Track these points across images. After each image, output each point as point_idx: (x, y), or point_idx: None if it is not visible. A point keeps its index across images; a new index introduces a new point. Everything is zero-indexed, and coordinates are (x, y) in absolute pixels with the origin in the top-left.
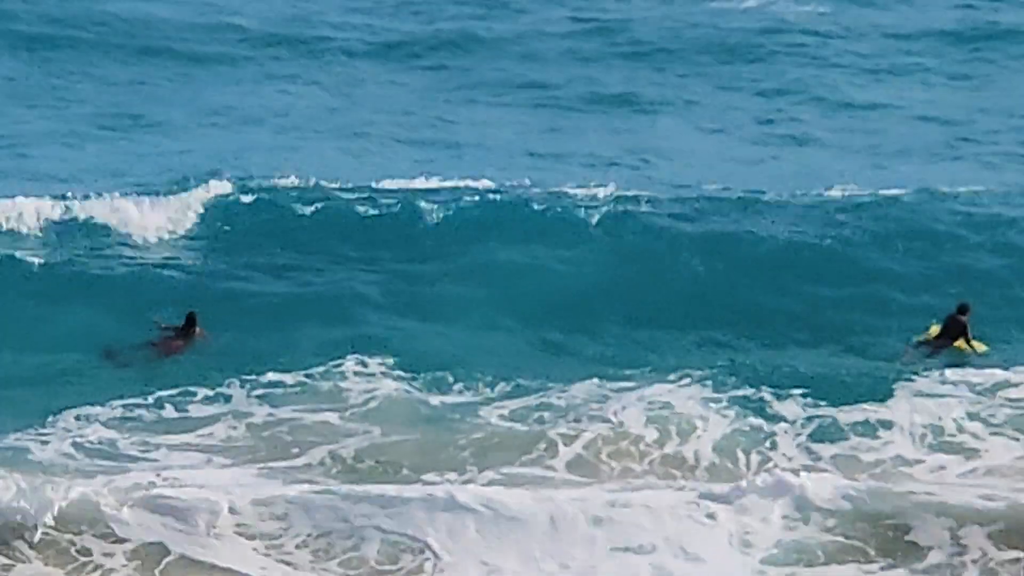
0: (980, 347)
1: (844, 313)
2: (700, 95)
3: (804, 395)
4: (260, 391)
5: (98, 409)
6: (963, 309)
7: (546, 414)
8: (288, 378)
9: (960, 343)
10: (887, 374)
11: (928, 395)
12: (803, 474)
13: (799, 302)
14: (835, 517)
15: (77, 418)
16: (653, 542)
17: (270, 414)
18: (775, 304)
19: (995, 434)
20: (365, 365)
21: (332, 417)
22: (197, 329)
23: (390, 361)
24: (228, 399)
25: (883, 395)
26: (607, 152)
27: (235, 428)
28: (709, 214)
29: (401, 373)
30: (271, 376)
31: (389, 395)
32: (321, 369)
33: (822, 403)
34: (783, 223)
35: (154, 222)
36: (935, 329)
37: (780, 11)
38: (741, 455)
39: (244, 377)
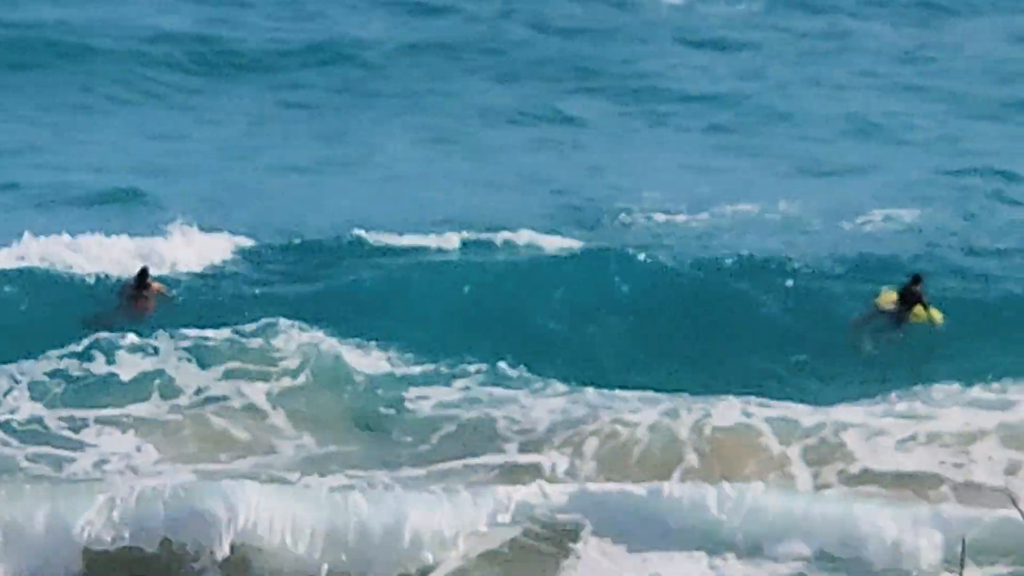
0: (938, 316)
1: (780, 326)
2: (625, 103)
3: (745, 392)
4: (192, 354)
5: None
6: (916, 279)
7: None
8: (224, 348)
9: (918, 310)
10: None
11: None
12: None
13: (734, 318)
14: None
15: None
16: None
17: (201, 382)
18: (712, 316)
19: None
20: (300, 337)
21: (260, 394)
22: (153, 284)
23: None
24: (169, 385)
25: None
26: (536, 169)
27: (165, 407)
28: (646, 229)
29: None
30: (204, 342)
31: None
32: (256, 341)
33: (765, 397)
34: (717, 238)
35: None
36: (886, 296)
37: (708, 11)
38: (682, 427)
39: (182, 359)
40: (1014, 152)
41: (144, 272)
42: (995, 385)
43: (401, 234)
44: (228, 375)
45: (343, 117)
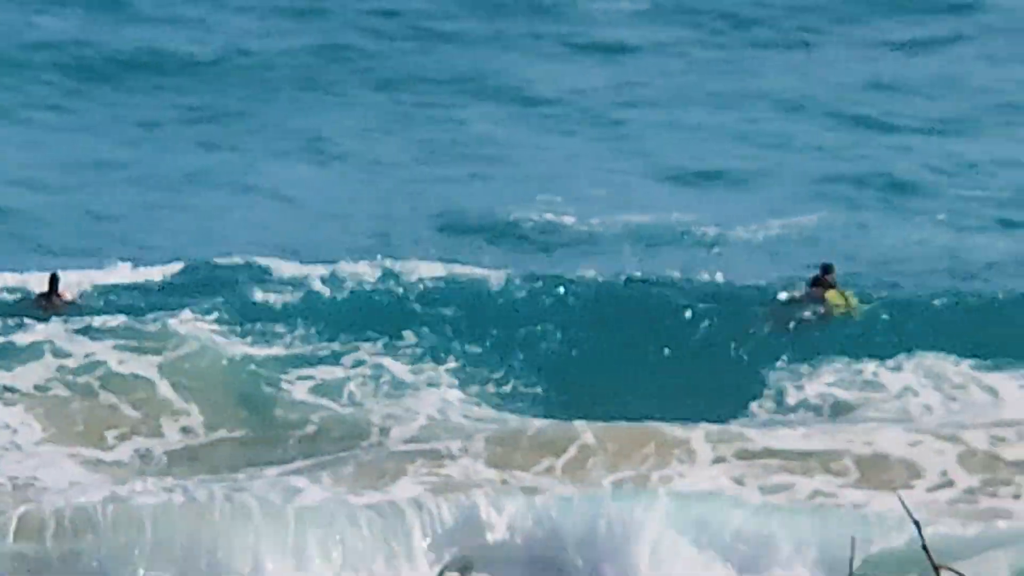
0: (854, 300)
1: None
2: (512, 107)
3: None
4: (85, 335)
5: None
6: (827, 269)
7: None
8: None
9: (832, 294)
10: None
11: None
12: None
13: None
14: None
15: None
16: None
17: (93, 356)
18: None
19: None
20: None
21: (151, 368)
22: (62, 292)
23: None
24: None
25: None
26: (423, 177)
27: (55, 378)
28: (540, 238)
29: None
30: (100, 324)
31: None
32: (153, 325)
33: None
34: (613, 248)
35: None
36: (799, 292)
37: (592, 8)
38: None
39: (74, 338)
40: (898, 160)
41: (54, 278)
42: (890, 362)
43: (292, 255)
44: (120, 349)
45: (224, 126)
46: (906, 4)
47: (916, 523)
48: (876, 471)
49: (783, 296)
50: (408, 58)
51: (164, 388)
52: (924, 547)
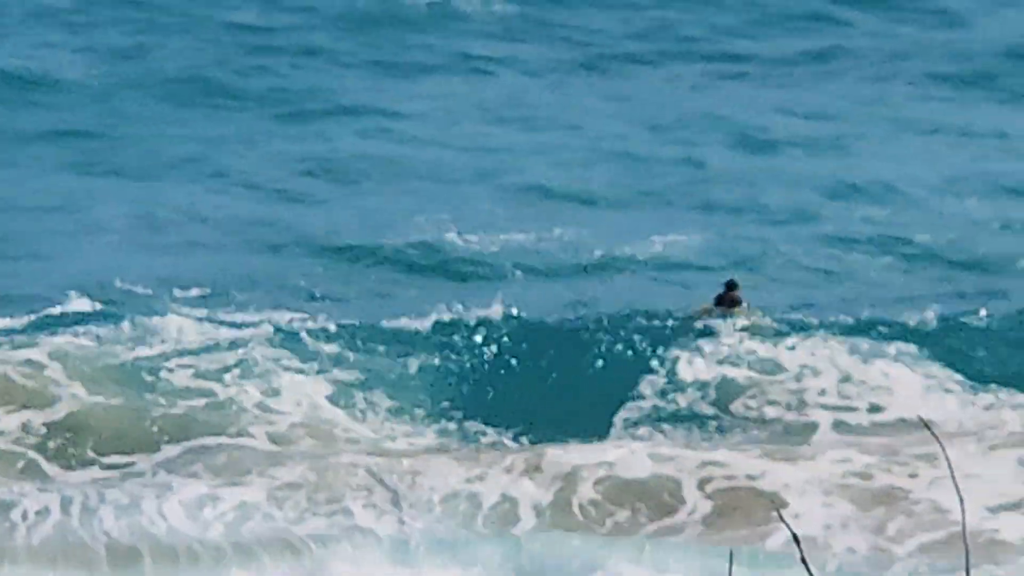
0: (760, 315)
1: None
2: (366, 119)
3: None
4: None
5: None
6: (732, 285)
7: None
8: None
9: (739, 310)
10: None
11: None
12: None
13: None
14: None
15: None
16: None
17: None
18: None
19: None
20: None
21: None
22: None
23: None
24: None
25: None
26: (300, 199)
27: None
28: (427, 257)
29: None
30: None
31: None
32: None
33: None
34: (498, 267)
35: None
36: (704, 306)
37: (457, 23)
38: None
39: None
40: (777, 178)
41: None
42: (790, 340)
43: (171, 280)
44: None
45: (93, 145)
46: (784, 18)
47: (795, 536)
48: (773, 444)
49: (691, 311)
50: (278, 73)
51: (51, 371)
52: (803, 560)
